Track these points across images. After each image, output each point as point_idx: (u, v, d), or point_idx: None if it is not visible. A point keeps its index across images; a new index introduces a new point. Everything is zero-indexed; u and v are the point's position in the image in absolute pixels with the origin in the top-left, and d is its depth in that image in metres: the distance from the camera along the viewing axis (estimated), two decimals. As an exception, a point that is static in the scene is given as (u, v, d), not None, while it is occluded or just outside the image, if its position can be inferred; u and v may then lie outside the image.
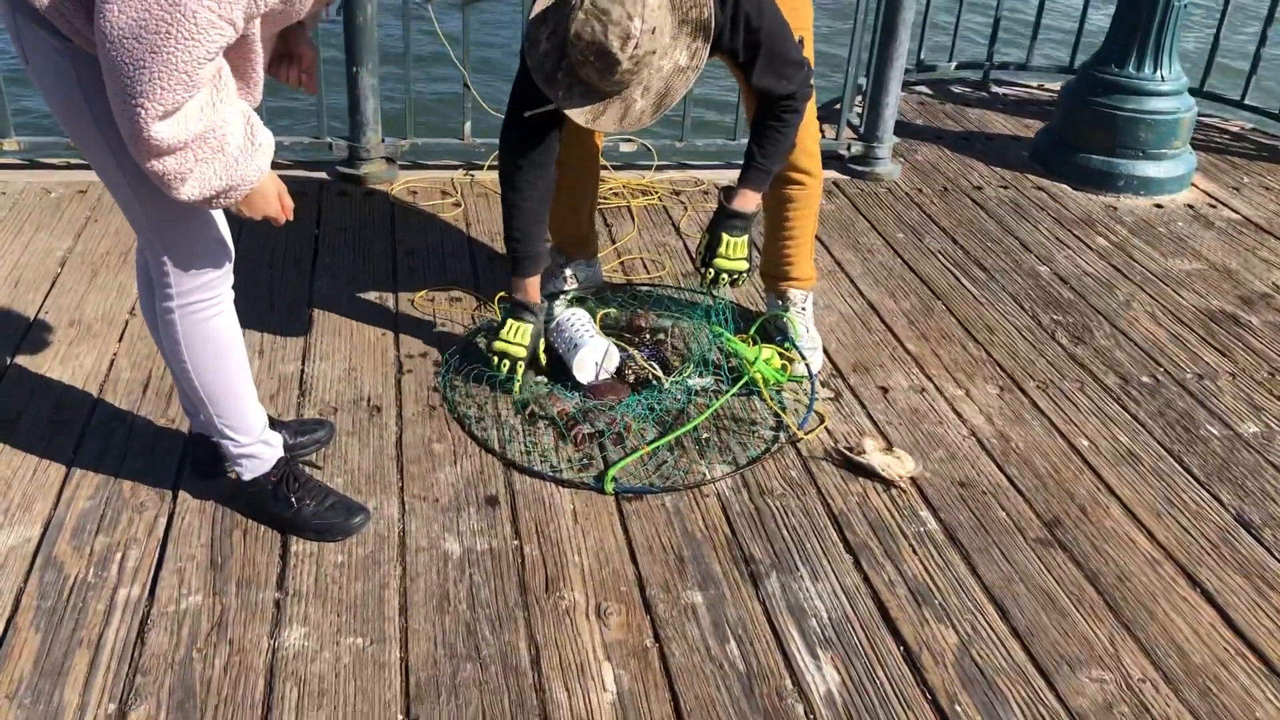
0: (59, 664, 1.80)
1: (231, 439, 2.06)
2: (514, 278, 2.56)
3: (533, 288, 2.56)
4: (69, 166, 3.59)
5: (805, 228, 2.80)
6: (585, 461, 2.37)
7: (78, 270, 3.00)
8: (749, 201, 2.52)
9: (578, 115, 2.24)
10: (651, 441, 2.42)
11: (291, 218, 1.87)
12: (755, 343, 2.72)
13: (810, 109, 2.65)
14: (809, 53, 2.59)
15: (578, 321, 2.61)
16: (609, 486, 2.27)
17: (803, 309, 2.86)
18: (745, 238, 2.54)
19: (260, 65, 1.71)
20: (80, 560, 2.01)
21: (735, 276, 2.55)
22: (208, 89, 1.58)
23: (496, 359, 2.54)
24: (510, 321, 2.56)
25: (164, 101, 1.52)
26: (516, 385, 2.54)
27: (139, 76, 1.49)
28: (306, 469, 2.20)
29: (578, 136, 2.71)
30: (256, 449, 2.09)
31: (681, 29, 2.20)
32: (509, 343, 2.53)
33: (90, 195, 3.43)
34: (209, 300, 1.93)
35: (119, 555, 2.03)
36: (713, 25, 2.21)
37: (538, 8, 2.26)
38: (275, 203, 1.82)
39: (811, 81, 2.47)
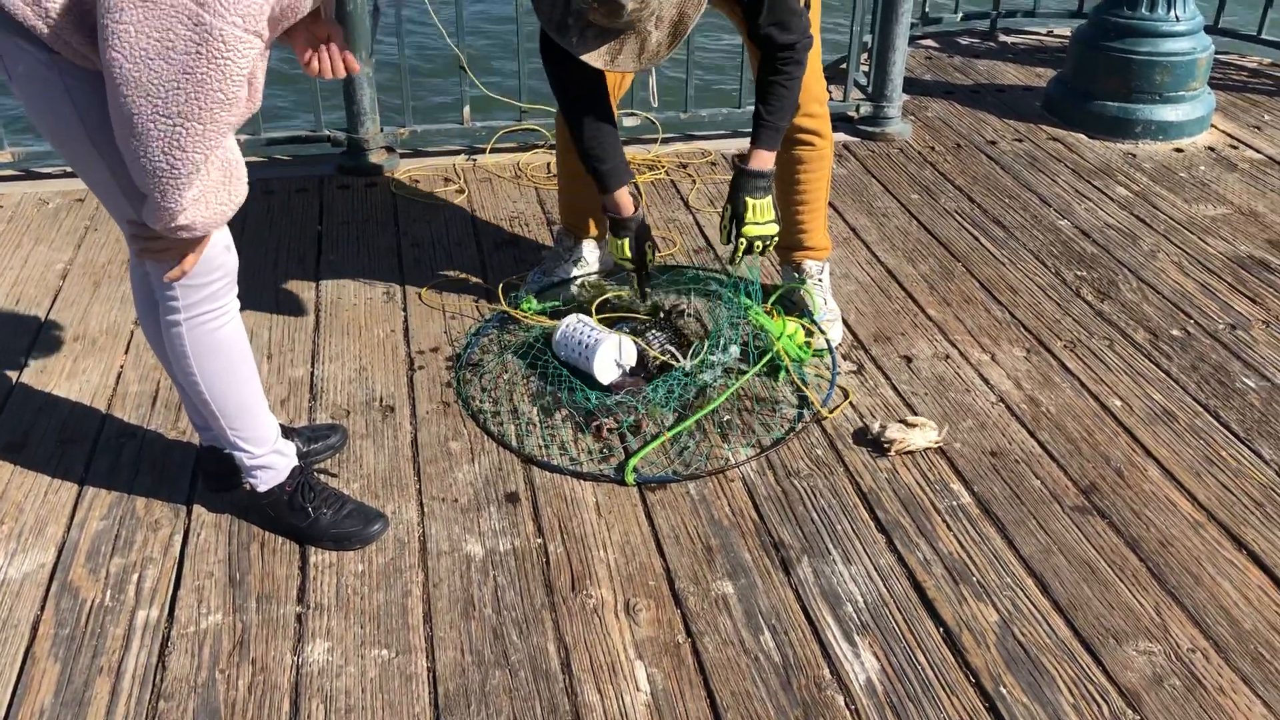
0: (80, 694, 1.77)
1: (245, 450, 2.01)
2: (603, 196, 2.52)
3: (623, 201, 2.50)
4: (65, 175, 3.54)
5: (818, 194, 2.72)
6: (605, 453, 2.31)
7: (79, 282, 2.95)
8: (765, 161, 2.45)
9: (596, 60, 2.19)
10: (671, 427, 2.36)
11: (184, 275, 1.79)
12: (779, 315, 2.64)
13: (816, 67, 2.57)
14: (815, 12, 2.52)
15: (582, 327, 2.52)
16: (630, 478, 2.21)
17: (819, 280, 2.79)
18: (770, 198, 2.47)
19: (264, 71, 1.64)
20: (96, 584, 1.97)
21: (768, 241, 2.48)
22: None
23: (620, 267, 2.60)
24: (612, 239, 2.55)
25: (203, 121, 1.49)
26: (643, 293, 2.64)
27: (174, 97, 1.46)
28: (321, 477, 2.15)
29: None
30: (270, 459, 2.04)
31: None
32: (615, 257, 2.57)
33: (88, 204, 3.37)
34: (216, 310, 1.87)
35: (136, 576, 1.99)
36: None
37: None
38: (195, 254, 1.76)
39: (811, 31, 2.42)
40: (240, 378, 1.96)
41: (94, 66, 1.55)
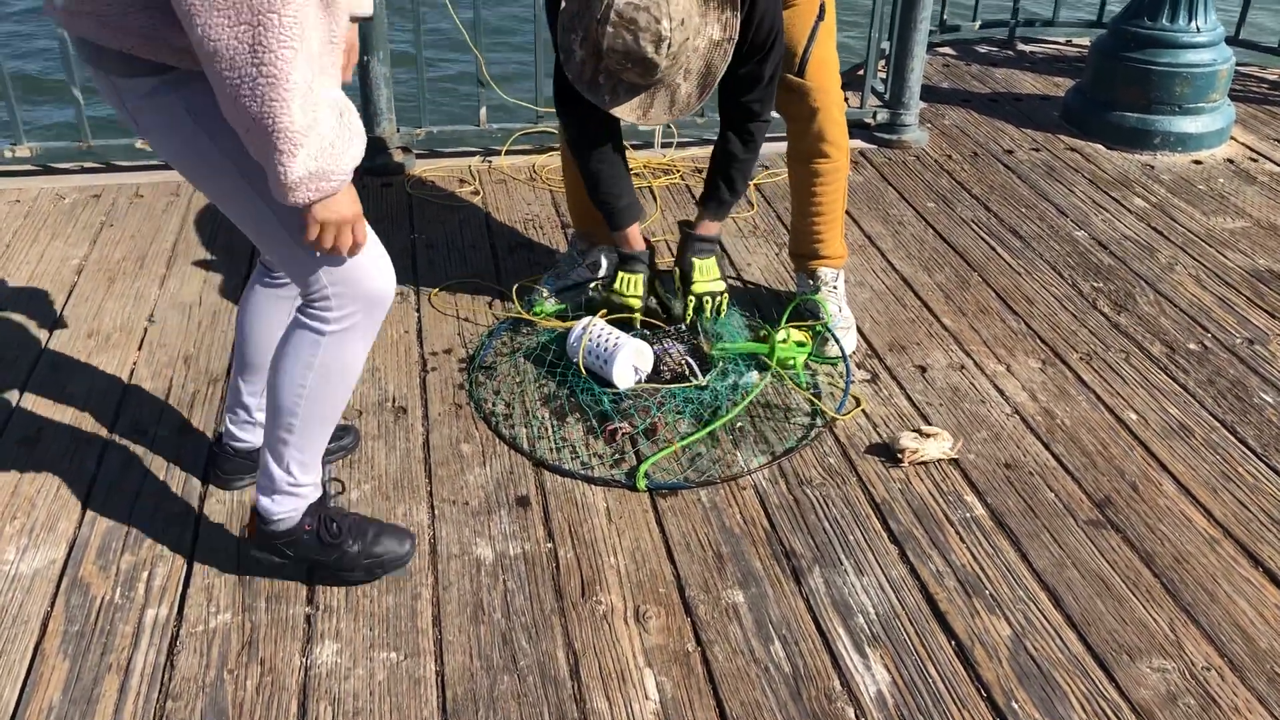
0: (88, 691, 1.76)
1: (292, 474, 1.87)
2: (614, 232, 2.59)
3: (634, 236, 2.59)
4: (82, 171, 3.55)
5: (834, 204, 2.71)
6: (617, 457, 2.30)
7: (94, 278, 2.95)
8: (712, 229, 2.59)
9: (629, 115, 2.27)
10: (685, 437, 2.34)
11: (360, 250, 1.70)
12: (769, 332, 2.62)
13: (834, 77, 2.57)
14: (831, 20, 2.53)
15: (600, 331, 2.51)
16: (641, 484, 2.21)
17: (834, 288, 2.77)
18: (713, 259, 2.60)
19: (343, 42, 1.57)
20: (106, 581, 1.97)
21: (717, 299, 2.59)
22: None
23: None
24: (621, 274, 2.60)
25: (276, 9, 1.40)
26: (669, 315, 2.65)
27: (266, 20, 1.40)
28: (331, 484, 2.10)
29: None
30: (307, 491, 1.91)
31: (708, 4, 2.17)
32: (624, 295, 2.58)
33: (104, 200, 3.38)
34: (366, 324, 1.78)
35: (145, 574, 1.99)
36: None
37: (563, 17, 2.25)
38: (354, 213, 1.63)
39: (829, 44, 2.56)
40: (342, 400, 1.87)
41: (194, 64, 1.50)
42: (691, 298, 2.57)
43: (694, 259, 2.58)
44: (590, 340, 2.50)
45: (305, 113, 1.47)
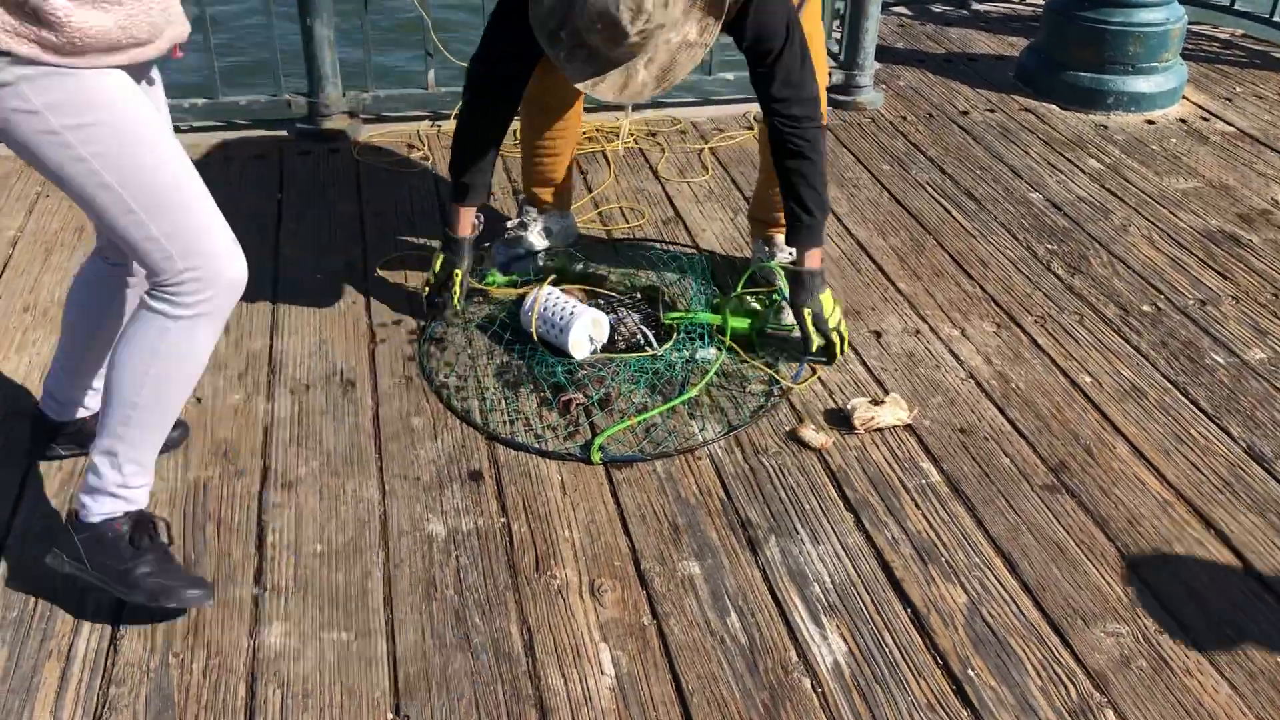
0: (28, 679, 1.71)
1: (122, 472, 1.77)
2: (451, 203, 2.52)
3: (466, 218, 2.51)
4: (16, 138, 3.43)
5: None
6: (572, 429, 2.27)
7: (30, 250, 2.86)
8: (815, 261, 2.43)
9: (576, 77, 2.16)
10: (641, 411, 2.31)
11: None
12: (721, 301, 2.58)
13: (820, 50, 2.52)
14: (815, 9, 2.48)
15: (555, 300, 2.47)
16: (596, 457, 2.18)
17: (791, 253, 2.74)
18: (829, 291, 2.47)
19: None
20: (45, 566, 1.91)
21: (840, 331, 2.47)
22: None
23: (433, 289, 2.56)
24: (437, 255, 2.55)
25: None
26: (456, 302, 2.54)
27: None
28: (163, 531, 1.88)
29: (560, 83, 2.58)
30: (136, 495, 1.80)
31: (695, 3, 2.09)
32: (434, 273, 2.55)
33: (40, 168, 3.28)
34: (217, 314, 1.74)
35: (86, 557, 1.93)
36: (727, 2, 2.10)
37: None
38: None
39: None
40: (186, 392, 1.80)
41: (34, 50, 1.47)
42: (836, 338, 2.45)
43: (820, 297, 2.44)
44: (544, 309, 2.46)
45: None
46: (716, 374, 2.43)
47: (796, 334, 2.56)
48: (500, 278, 2.70)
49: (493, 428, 2.26)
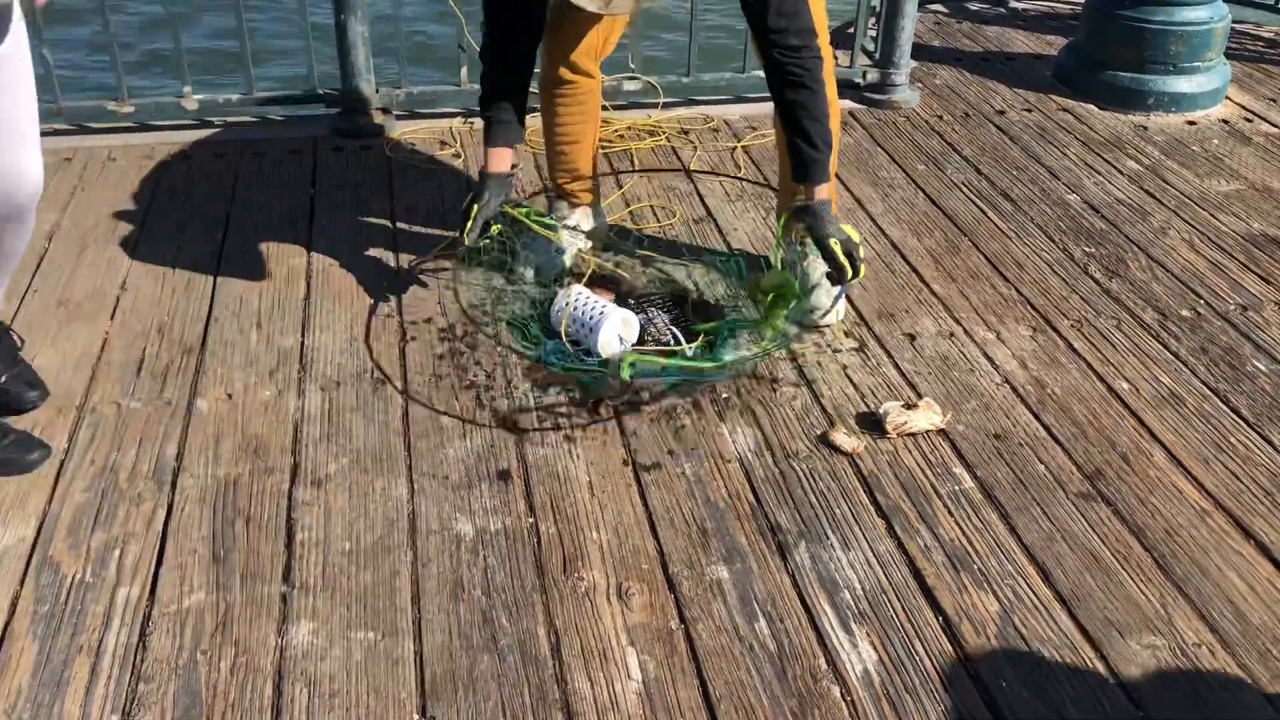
0: (58, 673, 1.72)
1: None
2: (485, 146, 2.51)
3: (501, 155, 2.49)
4: (54, 133, 3.45)
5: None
6: (600, 425, 2.26)
7: (66, 245, 2.88)
8: (821, 193, 2.35)
9: None
10: (671, 357, 2.34)
11: None
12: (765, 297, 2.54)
13: (824, 35, 2.48)
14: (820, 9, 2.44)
15: (586, 301, 2.45)
16: (625, 372, 2.18)
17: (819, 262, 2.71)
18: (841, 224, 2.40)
19: None
20: (77, 560, 1.93)
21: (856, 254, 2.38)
22: None
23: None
24: (471, 197, 2.51)
25: None
26: (465, 234, 2.48)
27: None
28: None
29: (569, 56, 2.58)
30: None
31: None
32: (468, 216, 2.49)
33: (76, 164, 3.30)
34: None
35: (117, 552, 1.94)
36: None
37: None
38: None
39: (826, 45, 2.38)
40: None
41: None
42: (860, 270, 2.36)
43: (835, 225, 2.35)
44: (574, 308, 2.45)
45: None
46: (749, 376, 2.41)
47: (827, 320, 2.53)
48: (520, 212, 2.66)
49: (522, 426, 2.25)
